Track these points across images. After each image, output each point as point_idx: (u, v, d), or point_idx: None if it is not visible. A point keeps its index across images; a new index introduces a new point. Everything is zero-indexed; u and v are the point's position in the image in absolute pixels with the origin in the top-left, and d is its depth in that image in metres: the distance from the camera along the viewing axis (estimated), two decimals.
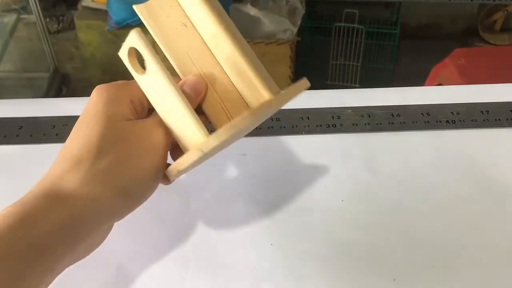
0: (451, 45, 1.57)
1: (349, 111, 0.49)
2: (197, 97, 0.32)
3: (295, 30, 1.61)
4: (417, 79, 1.59)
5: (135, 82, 0.32)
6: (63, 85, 1.80)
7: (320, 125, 0.48)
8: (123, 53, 0.31)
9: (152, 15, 0.33)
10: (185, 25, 0.33)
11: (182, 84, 0.32)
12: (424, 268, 0.37)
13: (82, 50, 1.82)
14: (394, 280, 0.36)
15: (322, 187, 0.43)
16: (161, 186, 0.33)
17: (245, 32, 1.64)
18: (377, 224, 0.40)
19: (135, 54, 0.31)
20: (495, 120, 0.48)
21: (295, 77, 1.69)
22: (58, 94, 1.76)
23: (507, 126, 0.48)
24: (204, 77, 0.32)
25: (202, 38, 0.33)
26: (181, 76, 0.33)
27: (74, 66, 1.88)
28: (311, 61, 1.86)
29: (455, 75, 1.39)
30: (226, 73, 0.32)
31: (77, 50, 1.88)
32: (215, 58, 0.32)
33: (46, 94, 1.72)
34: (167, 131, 0.32)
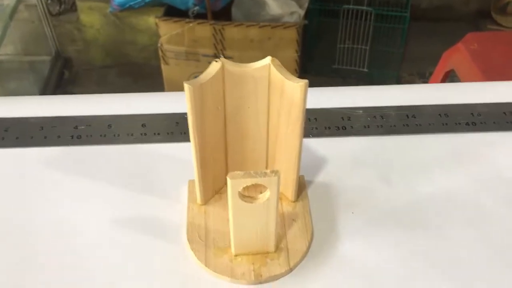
0: (463, 28, 1.53)
1: (360, 111, 0.45)
2: None
3: (302, 13, 1.56)
4: (427, 63, 1.55)
5: None
6: (65, 68, 1.76)
7: (329, 127, 0.44)
8: (238, 187, 0.30)
9: (202, 96, 0.32)
10: (218, 108, 0.34)
11: None
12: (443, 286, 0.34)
13: (85, 33, 1.78)
14: None
15: (332, 197, 0.39)
16: None
17: (251, 16, 1.59)
18: (391, 238, 0.37)
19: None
20: None
21: (302, 61, 1.64)
22: (60, 78, 1.73)
23: None
24: (212, 153, 0.36)
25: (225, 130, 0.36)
26: (194, 148, 0.34)
27: (76, 49, 1.84)
28: (319, 44, 1.81)
29: (468, 60, 1.34)
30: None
31: (79, 32, 1.84)
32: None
33: (48, 78, 1.69)
34: None
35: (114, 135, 0.44)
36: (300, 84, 0.31)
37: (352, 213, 0.38)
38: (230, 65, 0.33)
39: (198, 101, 0.32)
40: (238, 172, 0.30)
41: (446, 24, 1.91)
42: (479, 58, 1.32)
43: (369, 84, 0.46)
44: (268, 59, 0.33)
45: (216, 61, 0.32)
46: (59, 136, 0.44)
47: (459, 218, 0.38)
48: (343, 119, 0.45)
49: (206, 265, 0.35)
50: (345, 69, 1.79)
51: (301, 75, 1.66)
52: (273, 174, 0.30)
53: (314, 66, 1.78)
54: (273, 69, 0.33)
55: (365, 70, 1.79)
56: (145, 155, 0.43)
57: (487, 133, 0.44)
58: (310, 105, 0.45)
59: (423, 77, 1.77)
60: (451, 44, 1.38)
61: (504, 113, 0.45)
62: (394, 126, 0.44)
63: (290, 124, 0.34)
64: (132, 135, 0.44)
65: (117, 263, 0.35)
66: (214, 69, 0.32)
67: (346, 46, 1.77)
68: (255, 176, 0.30)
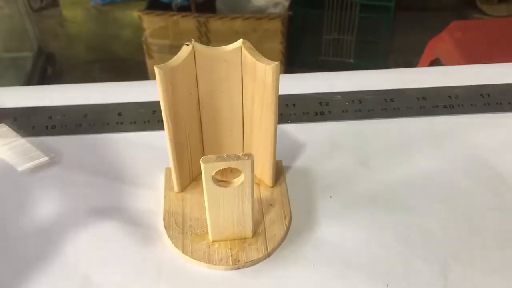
0: (448, 16, 1.53)
1: (339, 96, 0.45)
2: None
3: (287, 4, 1.56)
4: (414, 53, 1.55)
5: None
6: (48, 65, 1.73)
7: (307, 113, 0.44)
8: (211, 171, 0.30)
9: (173, 80, 0.31)
10: (191, 93, 0.34)
11: None
12: (420, 271, 0.34)
13: (67, 28, 1.76)
14: (387, 286, 0.33)
15: (310, 181, 0.39)
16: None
17: (236, 7, 1.58)
18: (369, 221, 0.37)
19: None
20: (496, 104, 0.45)
21: (288, 53, 1.64)
22: (44, 74, 1.71)
23: (509, 111, 0.44)
24: (188, 139, 0.36)
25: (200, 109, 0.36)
26: (168, 134, 0.33)
27: (59, 44, 1.82)
28: (304, 36, 1.80)
29: (453, 49, 1.34)
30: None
31: (62, 28, 1.82)
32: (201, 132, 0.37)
33: (31, 74, 1.67)
34: None
35: (89, 125, 0.43)
36: (271, 66, 0.31)
37: (331, 197, 0.38)
38: (201, 48, 0.32)
39: (170, 85, 0.31)
40: (212, 156, 0.30)
41: (432, 13, 1.92)
42: (462, 47, 1.32)
43: None
44: (239, 42, 0.32)
45: (187, 45, 0.32)
46: (33, 127, 0.43)
47: (436, 200, 0.38)
48: (321, 104, 0.45)
49: (183, 252, 0.34)
50: (331, 61, 1.79)
51: (287, 67, 1.65)
52: (246, 157, 0.30)
53: (301, 58, 1.78)
54: (245, 52, 0.32)
55: (352, 61, 1.79)
56: (122, 144, 0.42)
57: (465, 115, 0.44)
58: (289, 91, 0.45)
59: (410, 67, 1.77)
60: (437, 34, 1.39)
61: (481, 95, 0.45)
62: (372, 110, 0.44)
63: (264, 107, 0.34)
64: (108, 124, 0.43)
65: (95, 251, 0.35)
66: (185, 53, 0.32)
67: (332, 37, 1.77)
68: (228, 160, 0.30)
